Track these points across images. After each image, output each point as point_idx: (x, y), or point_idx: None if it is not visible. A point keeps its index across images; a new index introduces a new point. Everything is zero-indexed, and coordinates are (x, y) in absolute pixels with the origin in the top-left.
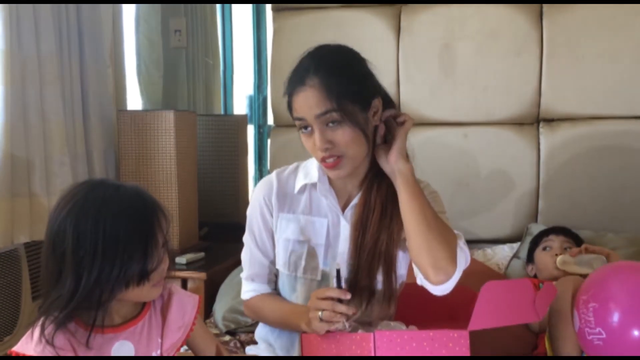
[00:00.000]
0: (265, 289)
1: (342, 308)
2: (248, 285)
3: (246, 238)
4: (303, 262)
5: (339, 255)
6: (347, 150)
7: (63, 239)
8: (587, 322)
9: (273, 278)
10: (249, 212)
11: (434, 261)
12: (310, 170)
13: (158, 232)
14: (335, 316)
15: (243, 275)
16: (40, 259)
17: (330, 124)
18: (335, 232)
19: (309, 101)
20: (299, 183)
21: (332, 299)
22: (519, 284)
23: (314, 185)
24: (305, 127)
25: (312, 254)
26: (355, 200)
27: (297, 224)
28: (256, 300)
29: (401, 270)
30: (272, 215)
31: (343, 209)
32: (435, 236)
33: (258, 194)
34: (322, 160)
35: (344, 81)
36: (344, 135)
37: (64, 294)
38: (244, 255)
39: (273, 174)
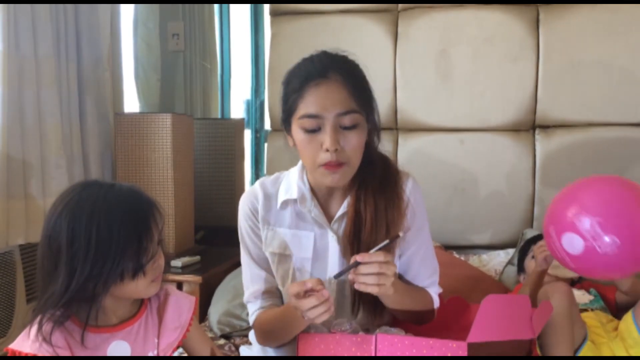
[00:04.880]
0: (268, 305)
1: (323, 295)
2: (251, 306)
3: (243, 257)
4: (290, 277)
5: (330, 267)
6: (352, 158)
7: (58, 234)
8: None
9: (277, 293)
10: (239, 229)
11: (417, 320)
12: (291, 185)
13: (153, 226)
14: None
15: (245, 298)
16: (36, 261)
17: (344, 127)
18: (322, 245)
19: (332, 96)
20: (281, 198)
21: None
22: (518, 300)
23: (295, 200)
24: (312, 130)
25: (299, 268)
26: (341, 211)
27: (282, 238)
28: (257, 320)
29: None
30: (259, 222)
31: (329, 220)
32: (415, 309)
33: (243, 206)
34: (324, 165)
35: (365, 85)
36: (354, 140)
37: (58, 288)
38: (244, 276)
39: (257, 185)
